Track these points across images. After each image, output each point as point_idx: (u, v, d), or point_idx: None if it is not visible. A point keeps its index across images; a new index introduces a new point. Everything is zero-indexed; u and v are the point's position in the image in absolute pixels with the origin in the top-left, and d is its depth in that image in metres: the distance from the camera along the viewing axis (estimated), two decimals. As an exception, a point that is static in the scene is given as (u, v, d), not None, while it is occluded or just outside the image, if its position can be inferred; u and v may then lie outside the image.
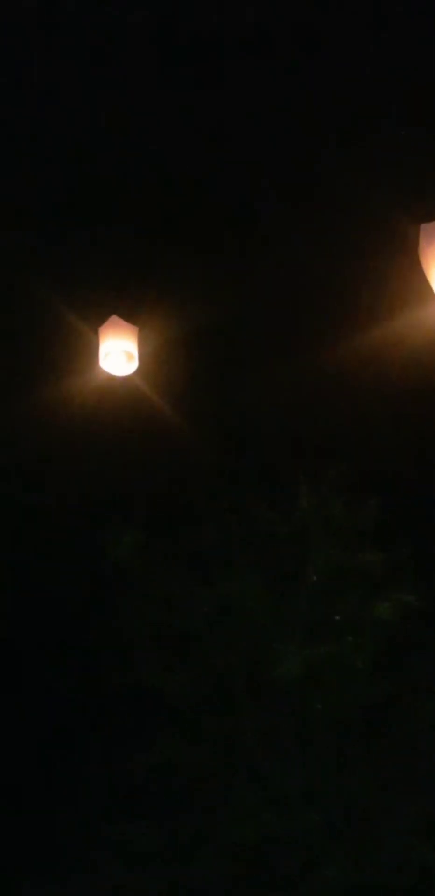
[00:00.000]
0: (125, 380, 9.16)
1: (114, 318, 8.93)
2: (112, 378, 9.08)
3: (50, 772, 9.46)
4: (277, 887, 9.04)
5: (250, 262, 9.81)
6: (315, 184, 9.43)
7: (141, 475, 10.15)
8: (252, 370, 10.11)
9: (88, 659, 9.55)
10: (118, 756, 9.19)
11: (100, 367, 8.96)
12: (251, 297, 9.84)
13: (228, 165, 9.79)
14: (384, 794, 9.16)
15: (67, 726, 9.56)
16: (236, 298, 9.68)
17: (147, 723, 9.30)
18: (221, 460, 10.09)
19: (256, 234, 9.74)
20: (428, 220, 8.27)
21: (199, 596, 9.55)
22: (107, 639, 9.49)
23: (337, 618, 9.50)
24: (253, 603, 9.50)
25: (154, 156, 9.68)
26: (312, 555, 9.65)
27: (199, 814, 9.17)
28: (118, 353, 8.96)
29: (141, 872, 9.02)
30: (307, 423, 10.14)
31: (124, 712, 9.39)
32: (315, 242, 9.45)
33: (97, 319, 9.03)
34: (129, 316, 9.03)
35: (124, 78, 9.31)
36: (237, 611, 9.52)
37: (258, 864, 9.09)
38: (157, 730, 9.26)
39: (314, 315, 9.95)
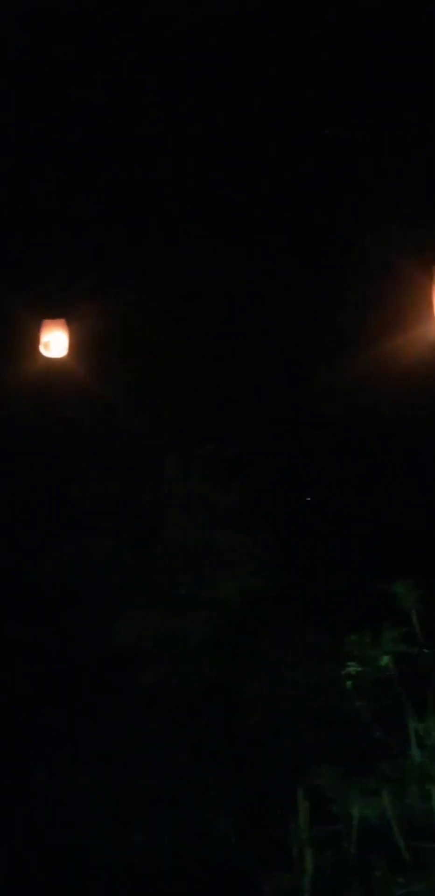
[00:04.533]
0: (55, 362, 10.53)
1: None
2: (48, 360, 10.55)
3: None
4: (81, 846, 9.08)
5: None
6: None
7: (40, 436, 10.49)
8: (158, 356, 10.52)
9: None
10: None
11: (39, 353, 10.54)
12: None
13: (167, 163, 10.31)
14: (196, 769, 9.11)
15: None
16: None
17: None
18: (106, 430, 10.30)
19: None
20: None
21: (51, 555, 9.67)
22: None
23: (182, 592, 9.50)
24: (101, 568, 9.58)
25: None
26: (168, 527, 9.67)
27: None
28: (52, 340, 10.49)
29: None
30: (189, 404, 10.26)
31: None
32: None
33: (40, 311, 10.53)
34: (65, 308, 10.50)
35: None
36: (87, 574, 9.60)
37: (66, 821, 9.15)
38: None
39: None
